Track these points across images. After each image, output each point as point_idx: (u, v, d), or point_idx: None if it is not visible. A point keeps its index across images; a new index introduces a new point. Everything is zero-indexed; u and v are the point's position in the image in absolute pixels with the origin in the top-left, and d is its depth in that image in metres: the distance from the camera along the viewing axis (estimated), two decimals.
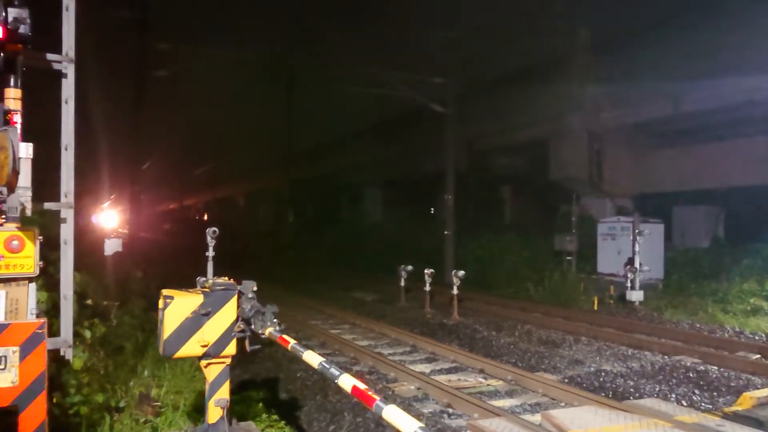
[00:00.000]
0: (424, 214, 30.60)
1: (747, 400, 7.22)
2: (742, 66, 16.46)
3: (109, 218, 15.22)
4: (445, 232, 22.38)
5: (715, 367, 9.27)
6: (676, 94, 18.97)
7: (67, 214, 4.56)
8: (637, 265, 14.86)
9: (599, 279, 17.23)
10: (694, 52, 17.47)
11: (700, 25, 17.68)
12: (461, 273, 14.19)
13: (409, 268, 16.09)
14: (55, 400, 4.74)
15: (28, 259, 4.05)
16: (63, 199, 4.56)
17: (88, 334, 5.83)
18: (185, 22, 17.01)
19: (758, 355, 10.06)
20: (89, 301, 7.39)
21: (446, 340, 11.60)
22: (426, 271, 15.06)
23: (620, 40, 18.93)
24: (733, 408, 7.11)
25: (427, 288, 15.02)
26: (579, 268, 18.86)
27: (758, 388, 7.93)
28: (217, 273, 6.69)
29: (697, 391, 8.05)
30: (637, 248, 15.13)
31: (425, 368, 9.34)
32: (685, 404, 7.46)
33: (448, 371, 9.21)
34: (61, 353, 4.59)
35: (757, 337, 11.64)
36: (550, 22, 17.17)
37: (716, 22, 17.34)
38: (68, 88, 4.55)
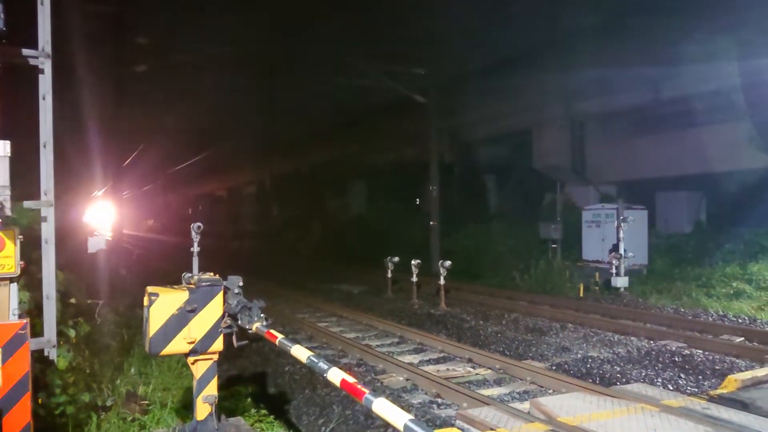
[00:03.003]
0: (409, 205, 30.59)
1: (732, 383, 7.31)
2: (721, 51, 16.54)
3: (95, 216, 15.05)
4: (431, 223, 22.41)
5: (700, 351, 9.38)
6: (656, 80, 19.05)
7: (48, 212, 4.49)
8: (621, 251, 14.98)
9: (584, 266, 17.34)
10: (673, 38, 17.52)
11: (679, 10, 17.75)
12: (448, 263, 14.17)
13: (396, 259, 16.09)
14: (40, 401, 4.69)
15: (9, 258, 3.99)
16: (43, 197, 4.48)
17: (72, 333, 5.76)
18: (162, 14, 16.74)
19: (742, 338, 10.19)
20: (73, 300, 7.30)
21: (434, 330, 11.62)
22: (413, 262, 15.03)
23: (601, 27, 18.94)
24: (719, 391, 7.19)
25: (414, 279, 15.01)
26: (564, 256, 18.95)
27: (742, 371, 8.04)
28: (203, 268, 6.62)
29: (682, 375, 8.14)
30: (621, 235, 15.25)
31: (413, 359, 9.36)
32: (671, 388, 7.53)
33: (437, 361, 9.24)
34: (45, 353, 4.53)
35: (740, 320, 11.80)
36: (530, 11, 17.12)
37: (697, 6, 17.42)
38: (45, 84, 4.47)
